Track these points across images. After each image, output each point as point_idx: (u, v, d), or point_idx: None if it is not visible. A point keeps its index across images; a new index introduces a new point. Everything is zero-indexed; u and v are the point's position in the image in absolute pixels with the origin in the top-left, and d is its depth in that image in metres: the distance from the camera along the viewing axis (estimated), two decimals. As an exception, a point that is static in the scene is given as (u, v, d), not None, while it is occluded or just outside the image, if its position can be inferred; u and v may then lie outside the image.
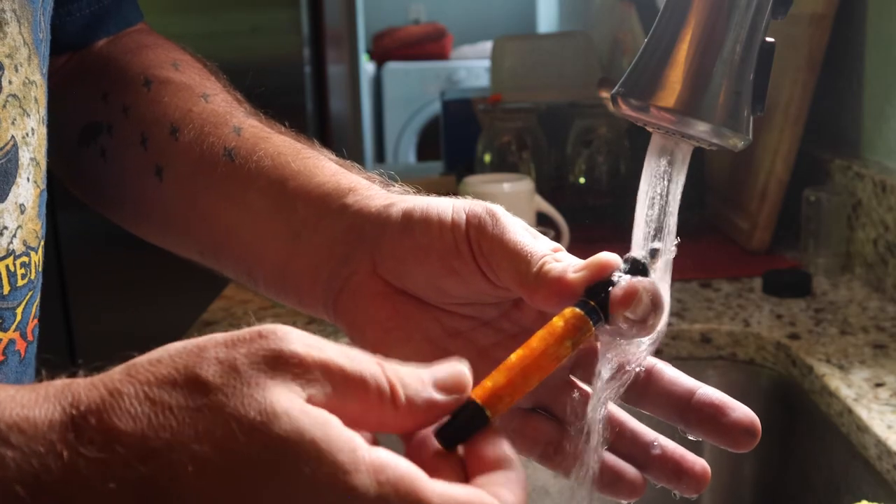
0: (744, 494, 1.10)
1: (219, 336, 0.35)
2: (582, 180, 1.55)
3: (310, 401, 0.34)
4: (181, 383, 0.33)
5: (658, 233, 0.45)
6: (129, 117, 0.62)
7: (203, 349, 0.34)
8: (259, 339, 0.35)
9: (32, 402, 0.34)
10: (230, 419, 0.33)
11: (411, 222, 0.49)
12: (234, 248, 0.57)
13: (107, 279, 2.87)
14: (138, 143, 0.61)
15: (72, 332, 2.97)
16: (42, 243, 0.55)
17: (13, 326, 0.52)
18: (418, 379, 0.36)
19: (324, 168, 0.56)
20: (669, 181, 0.45)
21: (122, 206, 0.64)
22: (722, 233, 1.46)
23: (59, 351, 2.94)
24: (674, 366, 0.47)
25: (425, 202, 0.50)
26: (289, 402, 0.33)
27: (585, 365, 0.48)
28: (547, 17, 4.40)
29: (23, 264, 0.53)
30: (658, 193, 0.45)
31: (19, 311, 0.53)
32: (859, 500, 0.69)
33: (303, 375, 0.34)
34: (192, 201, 0.59)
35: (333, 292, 0.52)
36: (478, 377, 0.47)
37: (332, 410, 0.34)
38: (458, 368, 0.38)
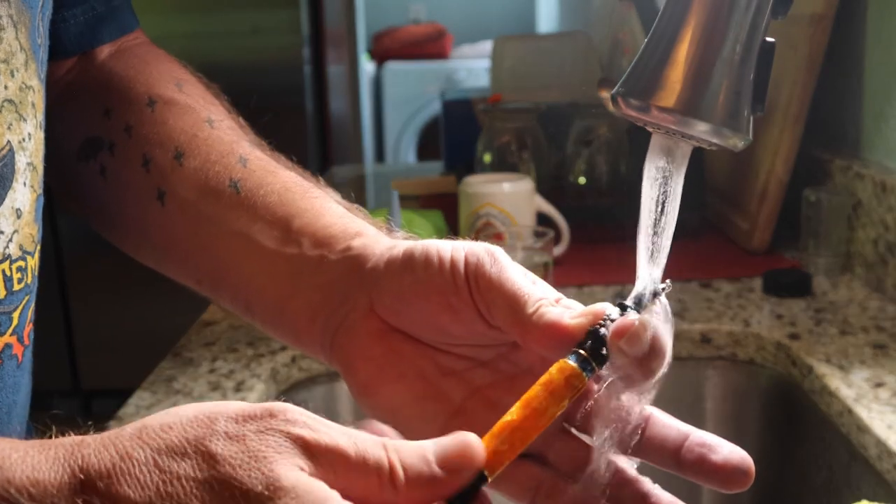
0: (744, 494, 1.10)
1: (230, 409, 0.36)
2: (582, 180, 1.55)
3: (314, 476, 0.35)
4: (190, 454, 0.34)
5: (658, 245, 0.44)
6: (132, 137, 0.61)
7: (214, 421, 0.35)
8: (269, 418, 0.36)
9: (42, 463, 0.34)
10: (236, 492, 0.33)
11: (412, 260, 0.49)
12: (233, 280, 0.57)
13: (107, 279, 2.87)
14: (140, 165, 0.60)
15: (72, 333, 2.97)
16: (38, 248, 0.55)
17: (9, 330, 0.52)
18: (420, 457, 0.37)
19: (331, 209, 0.56)
20: (669, 181, 0.45)
21: (120, 227, 0.64)
22: (722, 233, 1.46)
23: (59, 351, 2.94)
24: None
25: (426, 242, 0.50)
26: (295, 476, 0.34)
27: (577, 411, 0.47)
28: (547, 17, 4.40)
29: (19, 269, 0.52)
30: (659, 194, 0.45)
31: (16, 315, 0.53)
32: (859, 500, 0.69)
33: (308, 456, 0.35)
34: (194, 230, 0.58)
35: (330, 332, 0.52)
36: (470, 416, 0.47)
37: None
38: (465, 443, 0.38)
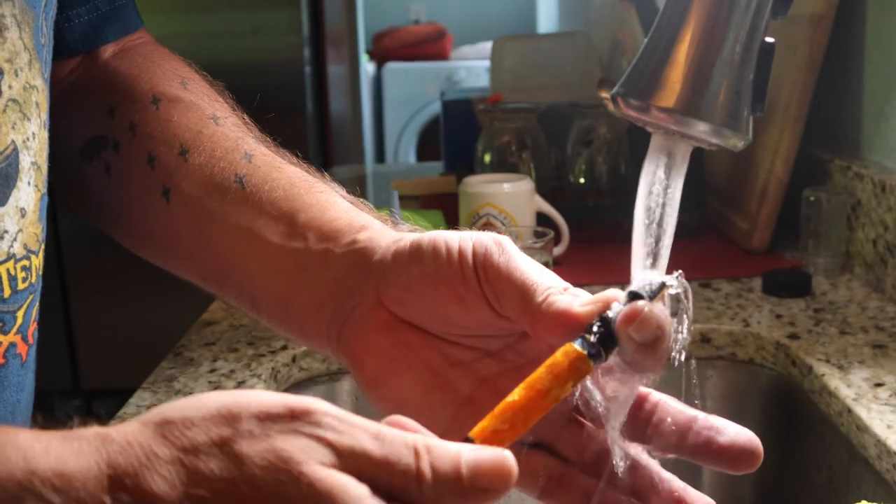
0: (744, 494, 1.11)
1: (252, 405, 0.36)
2: (582, 180, 1.55)
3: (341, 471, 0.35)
4: (217, 454, 0.34)
5: (658, 245, 0.45)
6: (137, 135, 0.61)
7: (237, 419, 0.35)
8: (292, 420, 0.35)
9: (66, 455, 0.34)
10: (266, 493, 0.33)
11: (420, 251, 0.49)
12: (239, 276, 0.57)
13: (107, 279, 2.87)
14: (145, 163, 0.60)
15: (72, 333, 2.97)
16: (42, 247, 0.55)
17: (14, 329, 0.52)
18: (454, 467, 0.36)
19: (336, 203, 0.56)
20: (669, 181, 0.45)
21: (124, 225, 0.64)
22: (722, 233, 1.46)
23: (59, 351, 2.94)
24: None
25: (433, 234, 0.50)
26: (325, 476, 0.34)
27: (584, 399, 0.47)
28: (547, 17, 4.40)
29: (23, 268, 0.53)
30: (658, 194, 0.45)
31: (20, 314, 0.53)
32: (859, 500, 0.69)
33: (335, 454, 0.35)
34: (199, 226, 0.58)
35: (337, 326, 0.52)
36: (479, 407, 0.47)
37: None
38: (505, 466, 0.37)
